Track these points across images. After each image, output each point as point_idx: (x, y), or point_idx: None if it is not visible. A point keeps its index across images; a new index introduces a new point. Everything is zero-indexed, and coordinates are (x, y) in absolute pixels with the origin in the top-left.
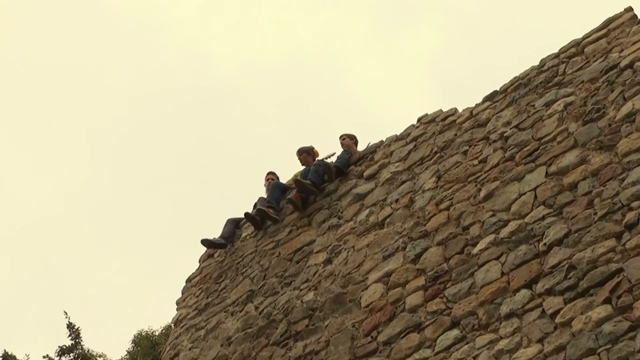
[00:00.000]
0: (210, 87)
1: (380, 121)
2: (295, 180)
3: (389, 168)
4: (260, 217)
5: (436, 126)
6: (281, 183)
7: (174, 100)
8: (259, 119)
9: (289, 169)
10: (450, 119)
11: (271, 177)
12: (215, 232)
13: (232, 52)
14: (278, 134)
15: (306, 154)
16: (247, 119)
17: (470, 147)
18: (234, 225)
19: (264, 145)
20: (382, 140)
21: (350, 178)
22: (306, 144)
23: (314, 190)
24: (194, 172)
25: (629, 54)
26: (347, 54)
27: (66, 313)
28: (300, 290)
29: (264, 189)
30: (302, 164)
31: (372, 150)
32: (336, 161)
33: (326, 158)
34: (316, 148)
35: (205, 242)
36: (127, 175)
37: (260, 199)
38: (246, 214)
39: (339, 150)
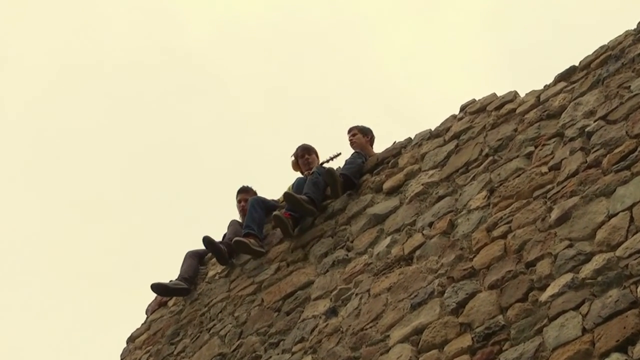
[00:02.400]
0: (173, 56)
1: (410, 108)
2: (285, 194)
3: (419, 178)
4: (229, 248)
5: (488, 118)
6: (263, 199)
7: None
8: (238, 104)
9: (279, 182)
10: (509, 107)
11: (244, 198)
12: (170, 272)
13: (204, 11)
14: (264, 126)
15: (307, 156)
16: (222, 104)
17: (536, 147)
18: (196, 261)
19: (246, 144)
20: (410, 138)
21: (363, 192)
22: (303, 142)
23: (311, 210)
24: (140, 181)
25: None
26: (367, 13)
27: None
28: (293, 354)
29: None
30: (299, 170)
31: (396, 152)
32: (343, 167)
33: (328, 161)
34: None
35: (157, 287)
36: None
37: (233, 223)
38: (206, 240)
39: (347, 151)
